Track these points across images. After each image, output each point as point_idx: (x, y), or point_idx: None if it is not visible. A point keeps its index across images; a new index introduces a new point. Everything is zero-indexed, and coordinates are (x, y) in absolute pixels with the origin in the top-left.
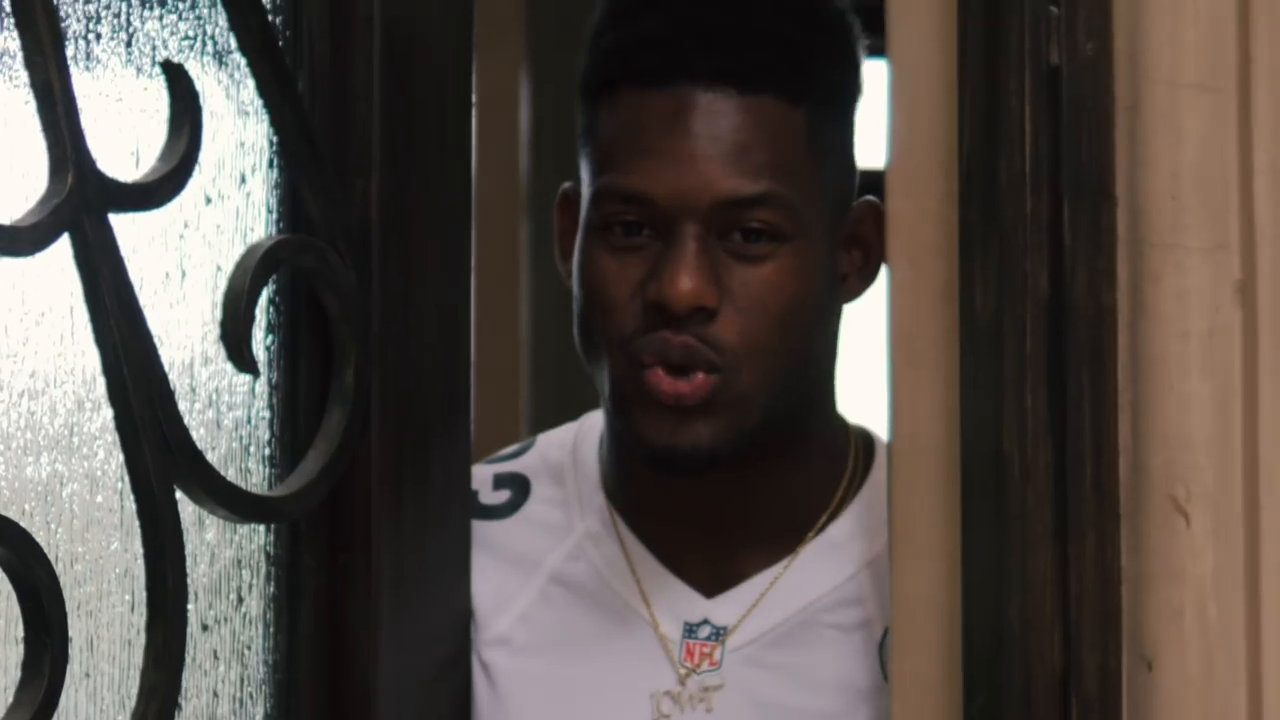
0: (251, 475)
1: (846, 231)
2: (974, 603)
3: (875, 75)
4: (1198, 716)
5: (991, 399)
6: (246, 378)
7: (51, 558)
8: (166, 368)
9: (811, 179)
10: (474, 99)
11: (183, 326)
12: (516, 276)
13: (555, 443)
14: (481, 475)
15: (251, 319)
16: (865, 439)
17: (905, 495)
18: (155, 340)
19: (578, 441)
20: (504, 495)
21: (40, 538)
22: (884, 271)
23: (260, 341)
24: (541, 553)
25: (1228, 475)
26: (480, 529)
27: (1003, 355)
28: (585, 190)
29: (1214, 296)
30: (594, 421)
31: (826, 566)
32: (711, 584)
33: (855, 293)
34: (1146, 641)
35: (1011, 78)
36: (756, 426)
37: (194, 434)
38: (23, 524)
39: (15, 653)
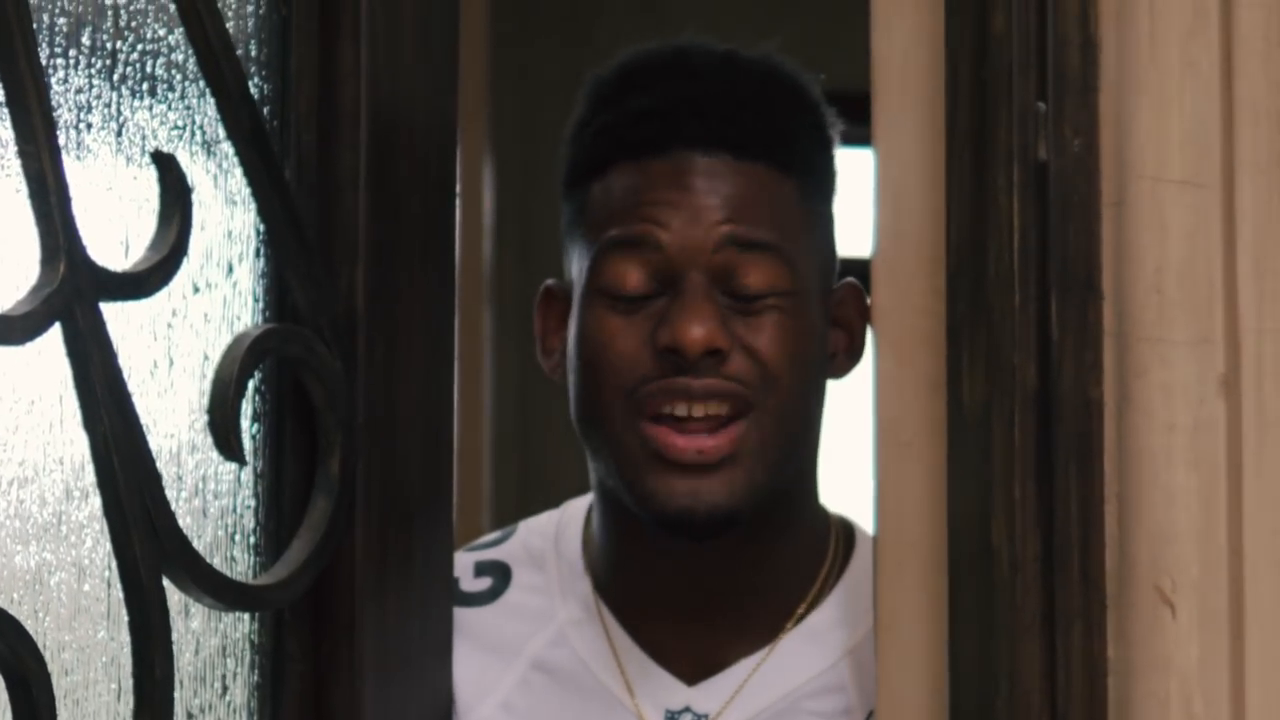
0: (237, 563)
1: (831, 311)
2: (961, 693)
3: (861, 164)
4: None
5: (979, 490)
6: (233, 466)
7: (39, 646)
8: (154, 456)
9: (804, 242)
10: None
11: (170, 415)
12: (480, 364)
13: (537, 530)
14: (463, 563)
15: (239, 408)
16: (846, 528)
17: (891, 586)
18: (143, 428)
19: (560, 528)
20: (485, 583)
21: (28, 626)
22: (870, 362)
23: (246, 430)
24: (523, 640)
25: (1213, 567)
26: (461, 616)
27: (991, 447)
28: (581, 265)
29: (1199, 390)
30: (577, 509)
31: (808, 655)
32: (694, 672)
33: (841, 371)
34: None
35: (999, 172)
36: (767, 485)
37: (180, 522)
38: (11, 612)
39: None
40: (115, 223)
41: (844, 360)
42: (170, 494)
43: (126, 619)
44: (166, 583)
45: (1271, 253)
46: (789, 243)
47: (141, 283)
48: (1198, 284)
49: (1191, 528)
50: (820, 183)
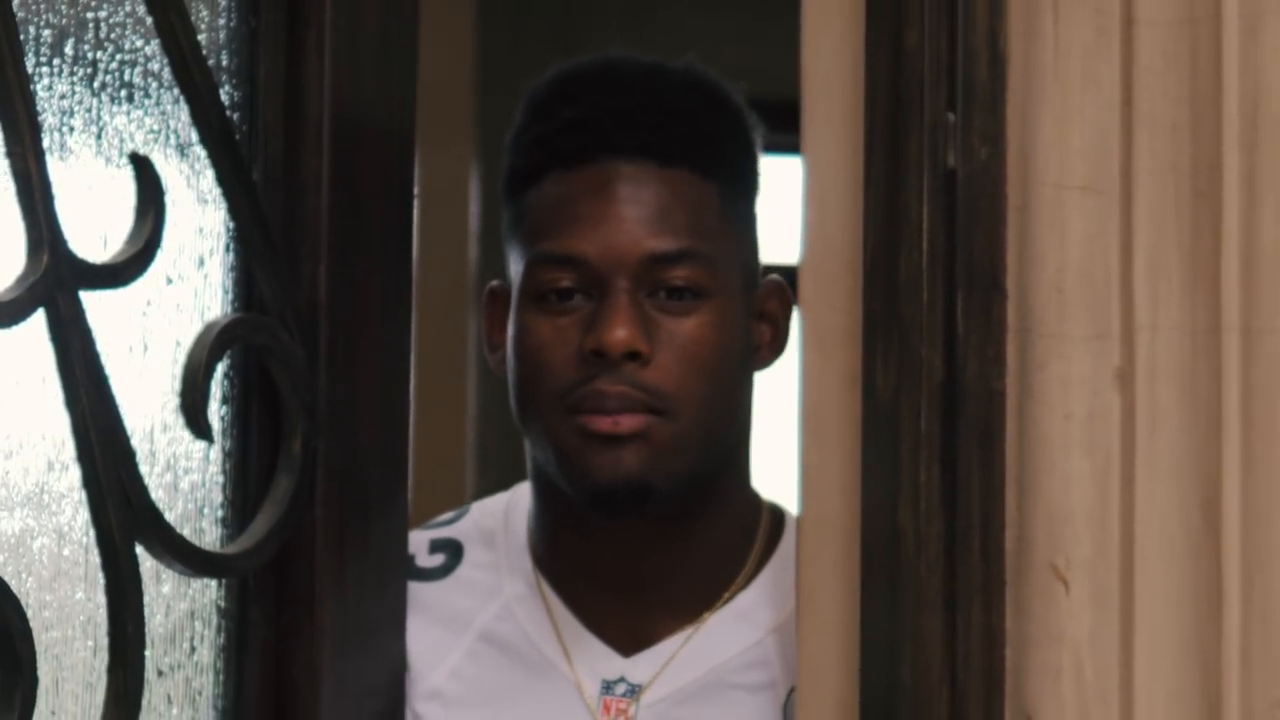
0: (205, 535)
1: (756, 306)
2: (870, 664)
3: (792, 172)
4: None
5: (889, 475)
6: (202, 444)
7: (23, 604)
8: (129, 433)
9: (725, 245)
10: (417, 192)
11: (145, 396)
12: (464, 366)
13: (488, 510)
14: (418, 540)
15: (208, 390)
16: (776, 513)
17: (811, 566)
18: (119, 408)
19: (509, 509)
20: (439, 559)
21: (12, 586)
22: (795, 356)
23: (215, 412)
24: (472, 613)
25: (1105, 546)
26: (416, 590)
27: (899, 435)
28: (516, 269)
29: (1095, 382)
30: (525, 490)
31: (736, 631)
32: (629, 644)
33: (765, 363)
34: (1028, 699)
35: (911, 179)
36: (687, 469)
37: (153, 495)
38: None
39: None
40: (95, 218)
41: (768, 353)
42: (144, 469)
43: (103, 582)
44: (140, 550)
45: (1165, 255)
46: (710, 246)
47: (118, 273)
48: (1096, 283)
49: (1085, 510)
50: (742, 184)
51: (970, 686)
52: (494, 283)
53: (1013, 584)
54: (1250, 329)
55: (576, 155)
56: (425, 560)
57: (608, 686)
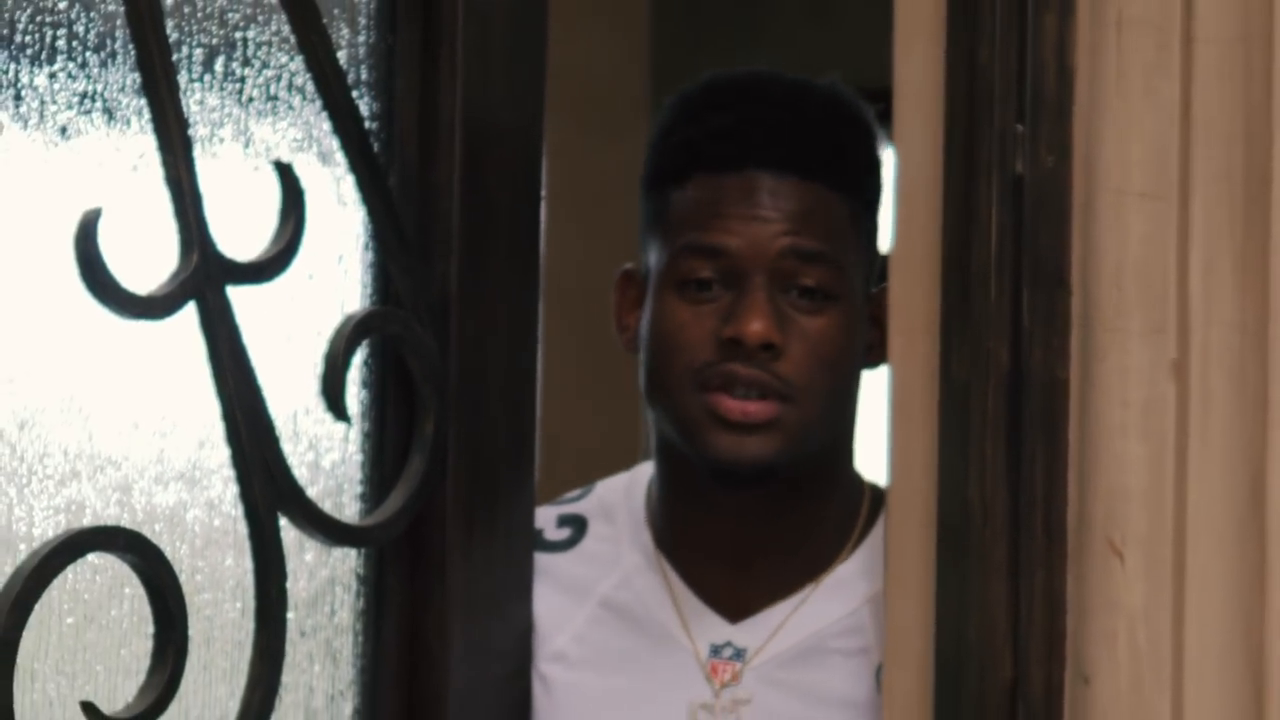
0: (345, 509)
1: (870, 310)
2: (943, 627)
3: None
4: None
5: (960, 455)
6: (342, 426)
7: (176, 569)
8: (274, 416)
9: (853, 253)
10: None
11: (290, 382)
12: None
13: (611, 487)
14: (547, 515)
15: (345, 376)
16: (876, 493)
17: (897, 537)
18: (264, 392)
19: (630, 486)
20: (565, 532)
21: (168, 553)
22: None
23: (355, 396)
24: (594, 581)
25: (1159, 523)
26: (545, 561)
27: (969, 418)
28: (658, 258)
29: (1151, 372)
30: (644, 470)
31: (835, 601)
32: (736, 612)
33: (874, 363)
34: (1085, 661)
35: (981, 184)
36: (806, 452)
37: (297, 473)
38: (154, 541)
39: (146, 645)
40: (243, 222)
41: (877, 354)
42: (287, 448)
43: (250, 549)
44: (284, 521)
45: (1218, 256)
46: (840, 253)
47: (262, 270)
48: (1153, 282)
49: (1141, 490)
50: (869, 198)
51: (1032, 648)
52: (628, 266)
53: (1073, 556)
54: None
55: (722, 162)
56: (553, 534)
57: (716, 650)
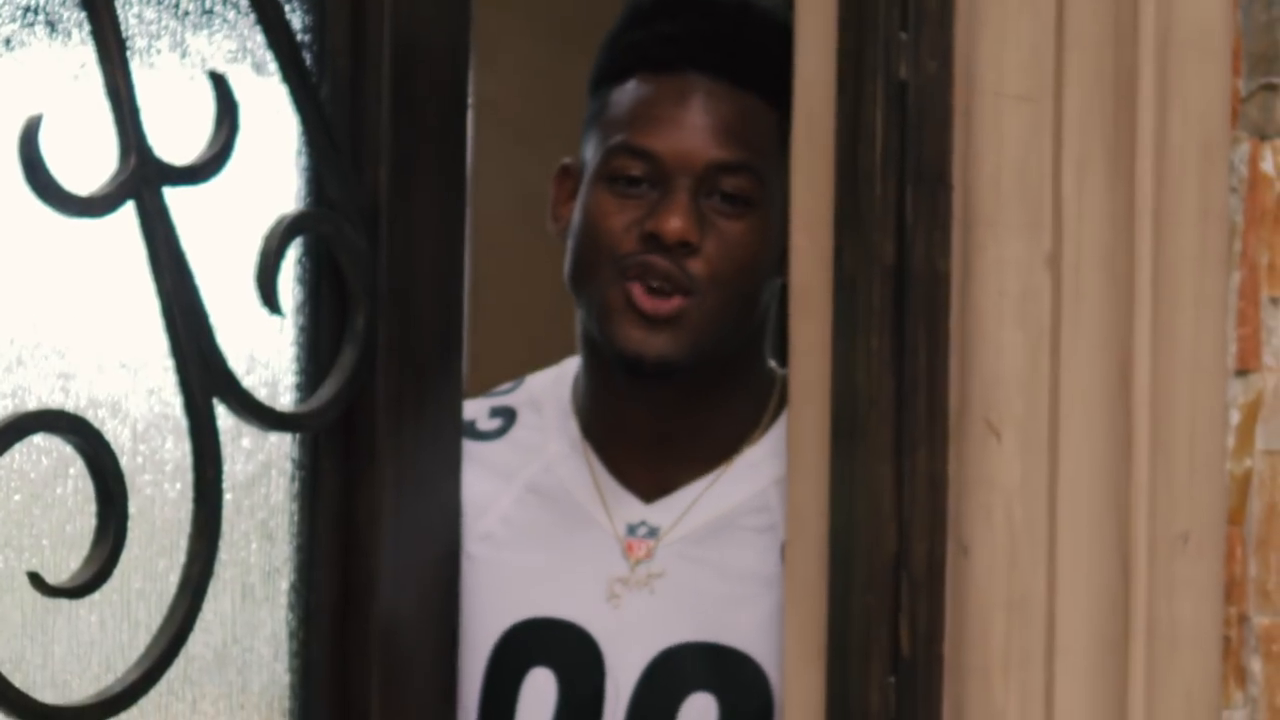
0: (281, 398)
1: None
2: (835, 505)
3: None
4: (1004, 593)
5: (850, 343)
6: (276, 319)
7: (118, 451)
8: (212, 311)
9: (777, 165)
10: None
11: (227, 280)
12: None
13: (540, 380)
14: (480, 407)
15: (277, 272)
16: (786, 383)
17: (796, 421)
18: (200, 288)
19: (558, 378)
20: (496, 423)
21: (111, 435)
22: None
23: (290, 293)
24: (521, 467)
25: (1034, 405)
26: (476, 448)
27: (857, 309)
28: (593, 154)
29: (1028, 265)
30: (572, 364)
31: (744, 482)
32: (651, 493)
33: None
34: (965, 534)
35: (869, 89)
36: (709, 349)
37: (234, 364)
38: (96, 426)
39: (89, 522)
40: (178, 127)
41: None
42: (225, 342)
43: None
44: (222, 410)
45: (1091, 155)
46: (764, 163)
47: (196, 173)
48: (1029, 179)
49: (1017, 374)
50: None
51: (915, 523)
52: (566, 160)
53: (954, 437)
54: (1161, 216)
55: (661, 64)
56: (485, 424)
57: (632, 529)
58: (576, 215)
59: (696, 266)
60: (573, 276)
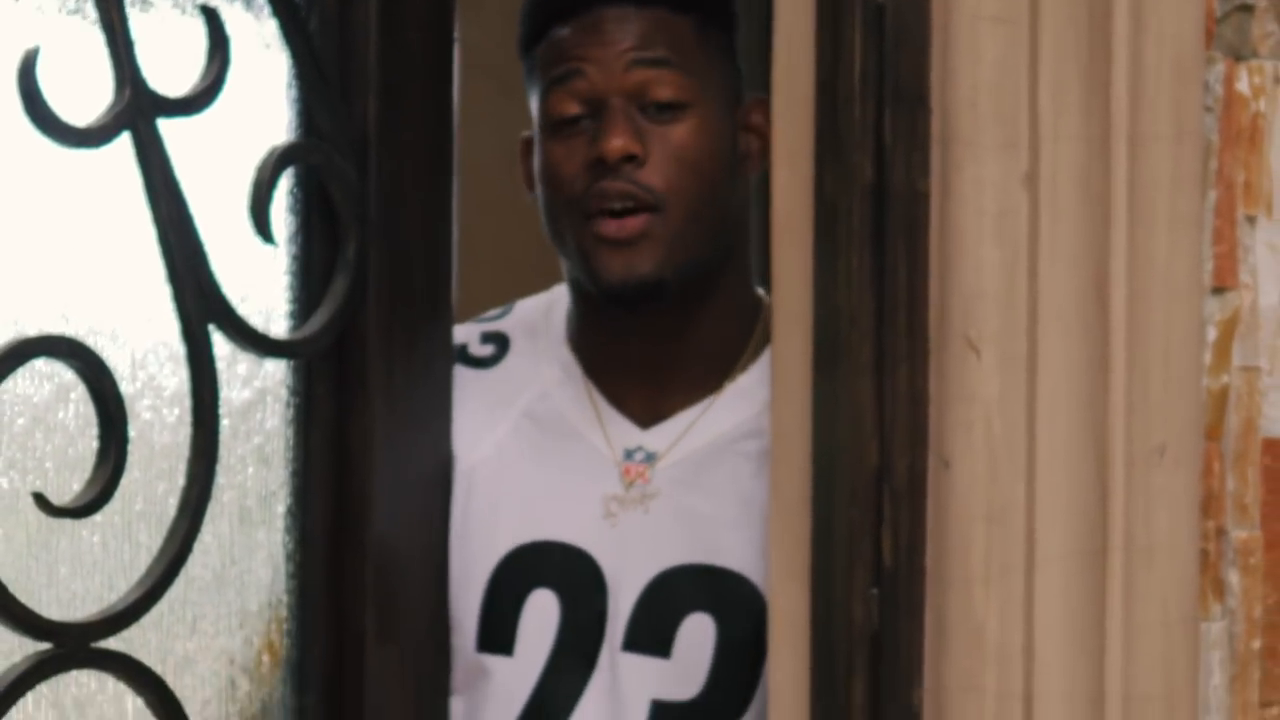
0: (275, 326)
1: (741, 120)
2: (819, 423)
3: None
4: (983, 505)
5: (831, 265)
6: (270, 248)
7: (117, 378)
8: (207, 240)
9: (703, 65)
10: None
11: (221, 209)
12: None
13: (531, 307)
14: (470, 332)
15: (270, 201)
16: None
17: (781, 343)
18: (194, 217)
19: (550, 306)
20: (489, 349)
21: (111, 362)
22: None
23: (283, 223)
24: (516, 394)
25: (1012, 321)
26: (470, 375)
27: (837, 229)
28: (536, 110)
29: (1005, 184)
30: (562, 290)
31: (737, 407)
32: (647, 418)
33: (756, 169)
34: (946, 448)
35: (847, 13)
36: (686, 264)
37: (228, 292)
38: (96, 352)
39: (91, 445)
40: (172, 61)
41: (757, 161)
42: (219, 268)
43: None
44: (218, 335)
45: (1066, 75)
46: (688, 63)
47: (189, 104)
48: (1006, 100)
49: (995, 291)
50: (713, 16)
51: (896, 438)
52: (525, 134)
53: (934, 353)
54: (1136, 136)
55: (570, 9)
56: (477, 349)
57: (629, 454)
58: (536, 171)
59: (648, 177)
60: (550, 232)
